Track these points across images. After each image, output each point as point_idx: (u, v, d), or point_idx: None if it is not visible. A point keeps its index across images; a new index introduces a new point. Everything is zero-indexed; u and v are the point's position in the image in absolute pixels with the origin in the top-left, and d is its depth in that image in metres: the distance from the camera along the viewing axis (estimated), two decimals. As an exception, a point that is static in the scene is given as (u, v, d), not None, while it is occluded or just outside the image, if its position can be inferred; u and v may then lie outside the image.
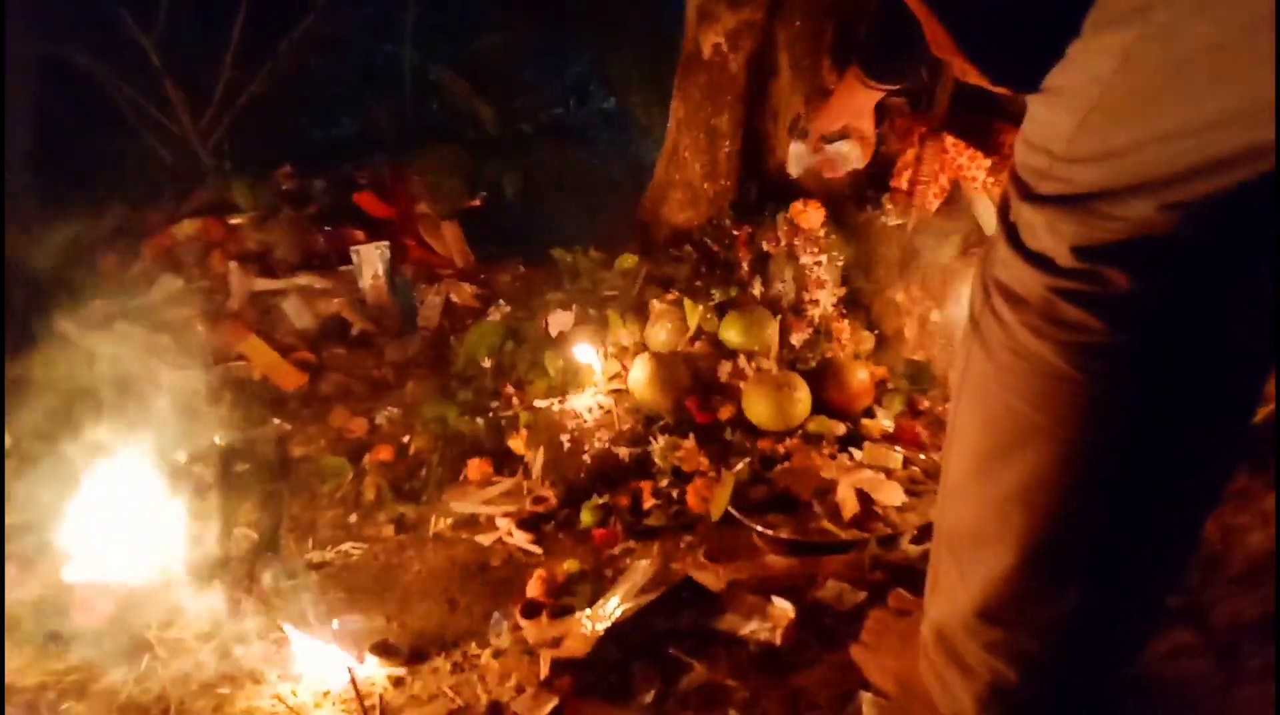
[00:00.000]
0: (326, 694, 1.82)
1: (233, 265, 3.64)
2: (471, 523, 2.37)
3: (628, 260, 3.08)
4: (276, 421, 2.95)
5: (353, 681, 1.70)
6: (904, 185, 2.63)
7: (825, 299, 2.71)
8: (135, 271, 3.79)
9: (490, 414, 2.74)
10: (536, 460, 2.50)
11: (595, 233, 3.61)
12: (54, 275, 3.70)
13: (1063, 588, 1.09)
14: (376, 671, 1.84)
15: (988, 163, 2.41)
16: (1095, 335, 0.94)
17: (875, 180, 2.73)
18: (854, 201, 2.82)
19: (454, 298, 3.59)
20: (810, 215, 2.72)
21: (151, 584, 2.19)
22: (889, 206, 2.70)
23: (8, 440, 2.78)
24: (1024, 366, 1.00)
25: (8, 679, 1.96)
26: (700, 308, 2.71)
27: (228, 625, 2.05)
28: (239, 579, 2.20)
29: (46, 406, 2.88)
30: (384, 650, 1.92)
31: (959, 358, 1.14)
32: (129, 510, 2.34)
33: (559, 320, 3.04)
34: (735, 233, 2.91)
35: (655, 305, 2.81)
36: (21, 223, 3.71)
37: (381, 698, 1.77)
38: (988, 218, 2.48)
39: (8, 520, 2.47)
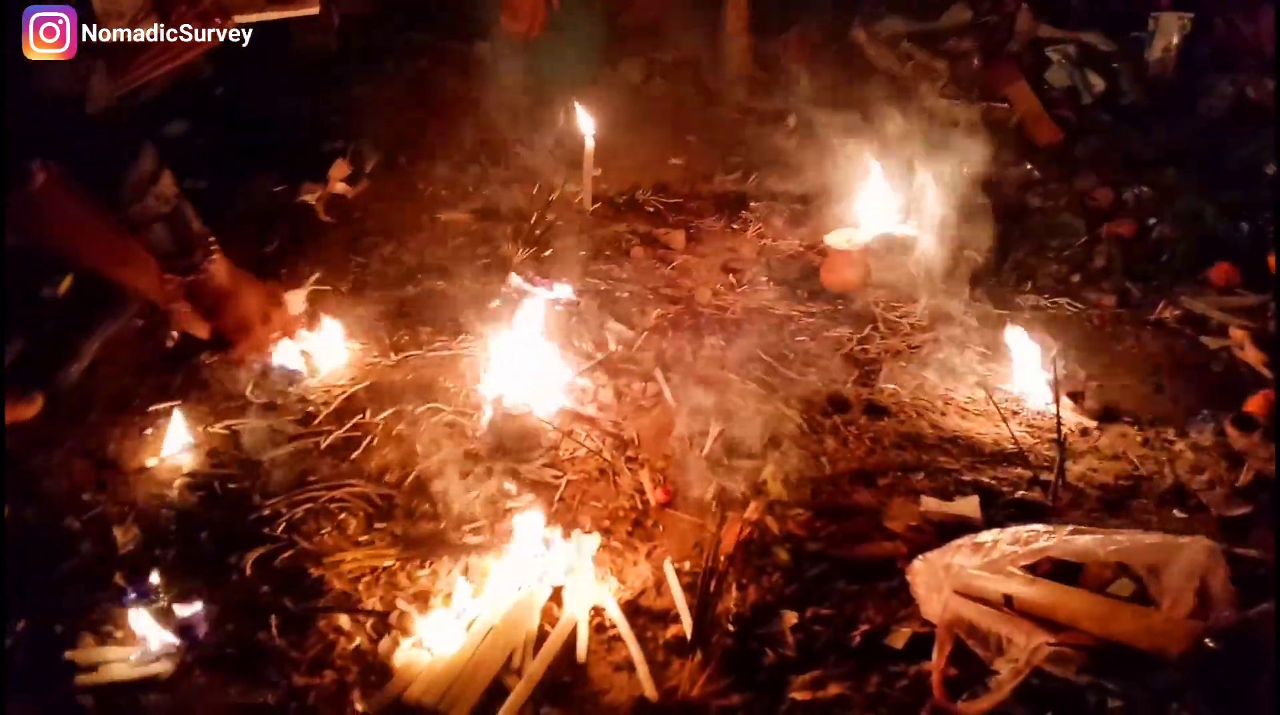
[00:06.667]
0: (1017, 411, 2.00)
1: (1024, 6, 3.62)
2: (1199, 322, 2.27)
3: None
4: (1026, 167, 3.03)
5: (1057, 416, 1.83)
6: None
7: None
8: (932, -3, 3.98)
9: (1258, 223, 2.48)
10: (1301, 287, 2.24)
11: None
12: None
13: None
14: (1067, 415, 1.95)
15: None
16: None
17: None
18: None
19: (1251, 92, 3.17)
20: None
21: (881, 266, 2.53)
22: None
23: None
24: None
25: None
26: None
27: (943, 328, 2.31)
28: (959, 289, 2.43)
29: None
30: (1077, 398, 2.03)
31: None
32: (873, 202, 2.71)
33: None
34: None
35: None
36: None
37: (1066, 437, 1.89)
38: None
39: (789, 186, 3.02)
